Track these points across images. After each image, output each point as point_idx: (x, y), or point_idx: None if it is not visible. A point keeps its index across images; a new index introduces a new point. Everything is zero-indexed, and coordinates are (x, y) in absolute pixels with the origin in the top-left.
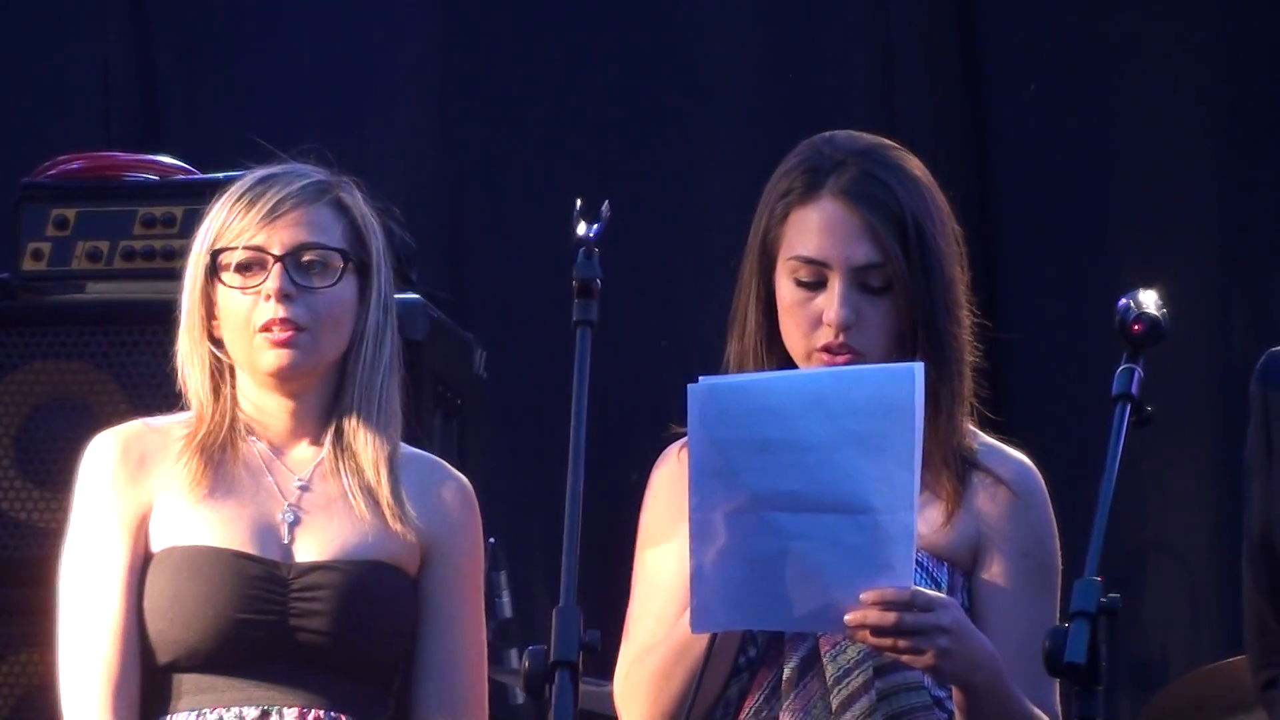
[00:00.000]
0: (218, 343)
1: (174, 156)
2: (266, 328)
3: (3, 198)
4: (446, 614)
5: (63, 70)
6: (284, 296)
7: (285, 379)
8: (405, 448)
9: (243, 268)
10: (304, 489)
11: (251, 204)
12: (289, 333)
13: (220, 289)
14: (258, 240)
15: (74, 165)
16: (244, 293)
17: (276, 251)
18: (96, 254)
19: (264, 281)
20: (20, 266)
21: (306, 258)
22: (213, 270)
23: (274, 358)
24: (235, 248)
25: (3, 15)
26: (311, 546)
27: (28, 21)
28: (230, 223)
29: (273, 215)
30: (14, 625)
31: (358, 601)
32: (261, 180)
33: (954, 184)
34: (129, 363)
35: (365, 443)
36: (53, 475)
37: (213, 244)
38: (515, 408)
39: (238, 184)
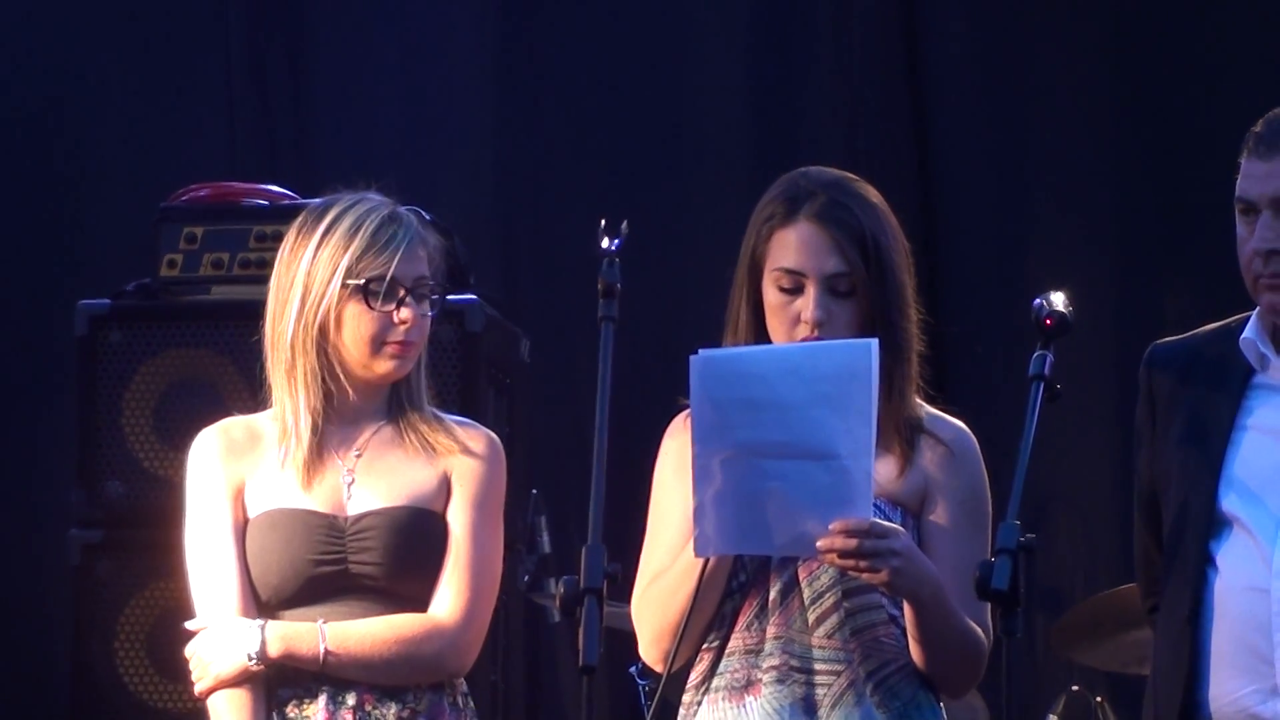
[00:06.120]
0: (319, 350)
1: (284, 185)
2: (393, 343)
3: (145, 218)
4: (459, 530)
5: (195, 114)
6: (413, 324)
7: (391, 381)
8: (446, 415)
9: (375, 294)
10: (359, 456)
11: (388, 243)
12: (408, 350)
13: (353, 308)
14: (396, 273)
15: (202, 193)
16: (381, 314)
17: (408, 285)
18: (219, 263)
19: (397, 308)
20: (159, 273)
21: (423, 290)
22: (355, 293)
23: (393, 366)
24: (382, 277)
25: (150, 72)
26: (364, 500)
27: (168, 75)
28: (367, 256)
29: (408, 253)
30: (152, 558)
31: (401, 538)
32: (388, 220)
33: (904, 208)
34: (245, 350)
35: (418, 410)
36: (184, 439)
37: (352, 273)
38: (554, 386)
39: (353, 216)
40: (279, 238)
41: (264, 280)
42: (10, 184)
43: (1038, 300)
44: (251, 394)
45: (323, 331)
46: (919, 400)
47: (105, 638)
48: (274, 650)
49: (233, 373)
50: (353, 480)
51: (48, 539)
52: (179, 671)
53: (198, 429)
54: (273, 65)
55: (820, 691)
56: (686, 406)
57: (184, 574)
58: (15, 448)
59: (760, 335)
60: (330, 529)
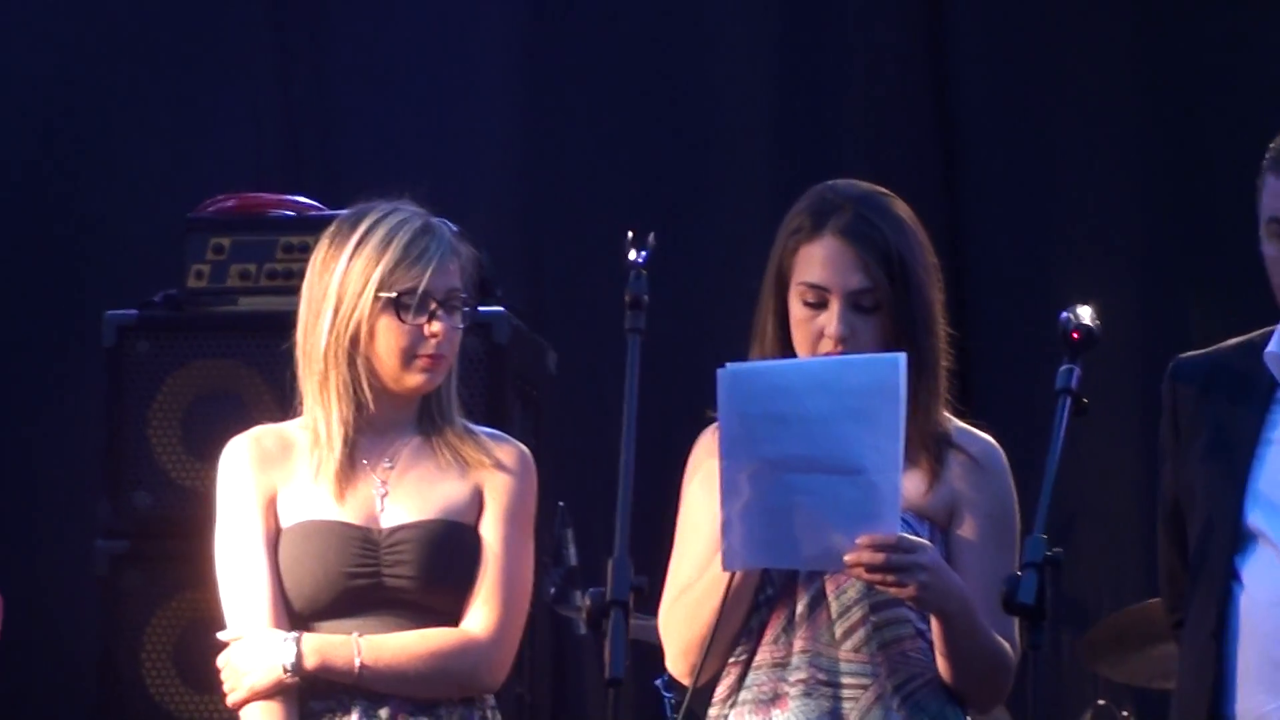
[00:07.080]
0: (351, 362)
1: (310, 196)
2: (424, 356)
3: (172, 229)
4: (493, 544)
5: (222, 125)
6: (444, 338)
7: (422, 394)
8: (477, 427)
9: (406, 307)
10: (391, 468)
11: (420, 255)
12: (439, 363)
13: (385, 321)
14: (428, 286)
15: (228, 203)
16: (413, 328)
17: (440, 297)
18: (247, 274)
19: (428, 321)
20: (186, 284)
21: (454, 302)
22: (387, 306)
23: (424, 379)
24: (414, 290)
25: (176, 83)
26: (398, 513)
27: (193, 86)
28: (400, 269)
29: (440, 266)
30: (178, 569)
31: (435, 552)
32: (420, 232)
33: (930, 221)
34: (272, 361)
35: (449, 423)
36: (211, 450)
37: (385, 285)
38: (580, 398)
39: (386, 227)
40: (306, 248)
41: (291, 291)
42: (38, 195)
43: (1064, 314)
44: (278, 405)
45: (354, 343)
46: (947, 414)
47: (131, 648)
48: (310, 662)
49: (259, 384)
50: (386, 493)
51: (74, 549)
52: (205, 682)
53: (224, 440)
54: (298, 76)
55: (847, 705)
56: (715, 419)
57: (210, 585)
58: (42, 458)
59: (786, 348)
60: (364, 541)
